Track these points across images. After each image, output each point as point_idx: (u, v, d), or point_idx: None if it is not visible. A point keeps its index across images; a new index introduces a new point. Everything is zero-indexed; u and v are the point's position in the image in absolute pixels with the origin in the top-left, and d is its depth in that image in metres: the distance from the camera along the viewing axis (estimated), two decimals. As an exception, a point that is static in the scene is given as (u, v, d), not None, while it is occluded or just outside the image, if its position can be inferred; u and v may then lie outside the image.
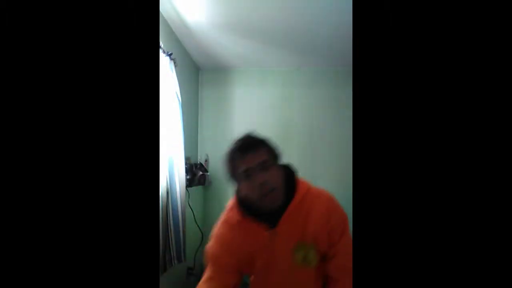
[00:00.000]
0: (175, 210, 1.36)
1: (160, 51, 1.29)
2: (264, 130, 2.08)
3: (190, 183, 1.74)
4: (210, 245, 0.83)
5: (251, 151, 0.71)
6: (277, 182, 0.71)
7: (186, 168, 1.57)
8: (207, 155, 2.16)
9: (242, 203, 0.77)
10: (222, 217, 0.84)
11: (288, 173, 0.78)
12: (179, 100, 1.43)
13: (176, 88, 1.43)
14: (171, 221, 1.33)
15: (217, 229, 0.83)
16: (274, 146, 0.76)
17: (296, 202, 0.74)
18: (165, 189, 1.28)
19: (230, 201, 0.83)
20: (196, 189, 1.95)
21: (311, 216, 0.74)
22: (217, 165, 2.16)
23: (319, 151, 2.11)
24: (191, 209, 1.73)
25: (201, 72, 2.22)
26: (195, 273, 1.83)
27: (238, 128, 2.18)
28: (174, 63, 1.42)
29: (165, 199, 1.28)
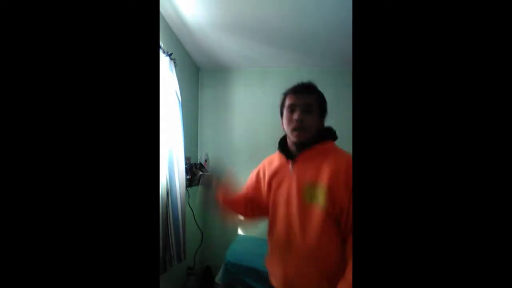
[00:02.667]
0: (175, 210, 1.36)
1: (160, 51, 1.29)
2: (264, 130, 2.10)
3: (190, 183, 1.74)
4: (255, 170, 1.01)
5: (302, 92, 0.82)
6: (310, 125, 0.80)
7: (186, 168, 1.57)
8: (207, 155, 2.16)
9: (282, 142, 0.90)
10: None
11: (327, 130, 0.87)
12: (179, 100, 1.43)
13: (176, 88, 1.43)
14: (171, 221, 1.33)
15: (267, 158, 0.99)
16: (325, 101, 0.86)
17: (318, 149, 0.82)
18: (165, 189, 1.28)
19: None
20: (196, 189, 1.95)
21: (328, 167, 0.78)
22: (217, 165, 2.16)
23: (319, 151, 2.10)
24: (191, 209, 1.73)
25: (201, 72, 2.22)
26: (195, 273, 1.83)
27: (238, 128, 2.18)
28: (174, 63, 1.42)
29: (165, 199, 1.28)
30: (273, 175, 0.89)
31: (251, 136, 2.14)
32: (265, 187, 0.92)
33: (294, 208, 0.81)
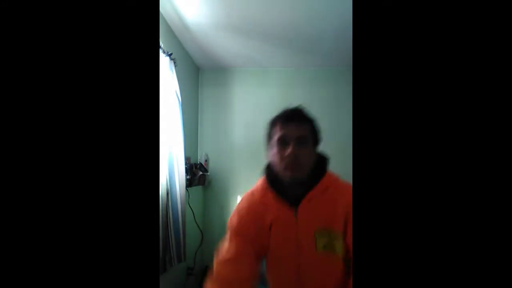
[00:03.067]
0: (175, 210, 1.36)
1: (160, 51, 1.29)
2: (263, 130, 2.09)
3: (190, 183, 1.74)
4: (232, 215, 0.80)
5: (295, 122, 0.71)
6: (306, 160, 0.70)
7: (186, 168, 1.57)
8: (207, 155, 2.16)
9: (270, 176, 0.77)
10: (245, 194, 0.83)
11: (320, 160, 0.77)
12: (179, 100, 1.43)
13: (176, 88, 1.43)
14: (171, 221, 1.33)
15: (241, 200, 0.82)
16: (318, 129, 0.76)
17: (320, 188, 0.72)
18: (165, 189, 1.28)
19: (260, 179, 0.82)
20: (196, 189, 1.95)
21: (335, 206, 0.70)
22: (217, 165, 2.16)
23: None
24: (191, 209, 1.73)
25: (201, 72, 2.22)
26: (195, 273, 1.83)
27: (238, 128, 2.18)
28: (174, 63, 1.42)
29: (165, 199, 1.28)
30: (269, 223, 0.74)
31: (251, 136, 2.14)
32: (258, 235, 0.75)
33: (305, 259, 0.72)
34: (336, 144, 2.09)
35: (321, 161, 0.77)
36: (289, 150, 0.68)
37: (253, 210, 0.77)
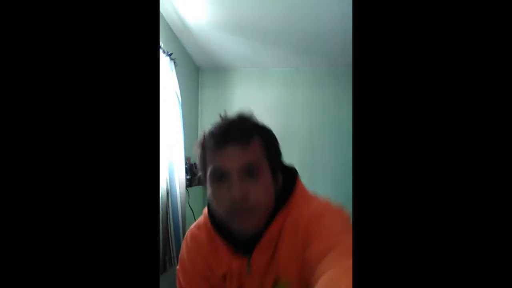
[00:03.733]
0: (175, 210, 1.36)
1: (160, 51, 1.29)
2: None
3: (190, 183, 1.74)
4: (178, 269, 0.60)
5: (235, 142, 0.46)
6: (260, 199, 0.46)
7: (186, 168, 1.57)
8: (207, 155, 2.16)
9: (213, 218, 0.53)
10: (191, 228, 0.61)
11: (285, 180, 0.53)
12: (179, 100, 1.43)
13: (176, 88, 1.43)
14: (171, 221, 1.33)
15: (184, 246, 0.60)
16: (271, 136, 0.51)
17: (276, 224, 0.49)
18: (165, 190, 1.28)
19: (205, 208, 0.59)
20: (196, 189, 1.95)
21: (295, 247, 0.47)
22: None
23: (319, 151, 2.11)
24: (191, 209, 1.73)
25: (201, 72, 2.22)
26: (195, 273, 1.83)
27: (238, 128, 2.18)
28: (174, 63, 1.42)
29: (165, 200, 1.28)
30: (225, 274, 0.53)
31: (251, 136, 2.14)
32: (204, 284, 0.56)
33: None
34: (336, 144, 2.10)
35: (286, 179, 0.52)
36: (232, 191, 0.44)
37: (202, 256, 0.55)
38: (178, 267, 0.61)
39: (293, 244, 0.48)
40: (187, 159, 1.78)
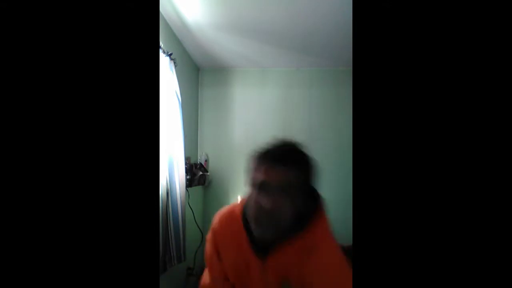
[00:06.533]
0: (175, 210, 1.36)
1: (160, 51, 1.29)
2: (264, 130, 2.10)
3: (190, 183, 1.74)
4: (206, 246, 0.75)
5: (282, 164, 0.57)
6: (286, 215, 0.57)
7: (186, 168, 1.57)
8: (207, 155, 2.16)
9: (245, 216, 0.66)
10: (226, 208, 0.74)
11: (310, 203, 0.63)
12: (179, 100, 1.43)
13: (176, 88, 1.42)
14: (171, 221, 1.33)
15: (220, 220, 0.72)
16: (312, 165, 0.61)
17: (300, 242, 0.60)
18: (165, 190, 1.28)
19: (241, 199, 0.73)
20: (196, 189, 1.95)
21: (309, 265, 0.60)
22: (217, 165, 2.16)
23: (319, 151, 2.09)
24: (191, 209, 1.73)
25: (201, 72, 2.22)
26: (195, 273, 1.83)
27: (238, 128, 2.18)
28: (174, 63, 1.42)
29: (165, 199, 1.28)
30: (238, 264, 0.67)
31: (251, 136, 2.14)
32: (227, 270, 0.70)
33: None
34: (336, 144, 2.10)
35: (311, 204, 0.63)
36: (267, 203, 0.55)
37: (233, 237, 0.68)
38: (208, 236, 0.74)
39: (301, 262, 0.59)
40: (187, 159, 1.77)
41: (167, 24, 1.50)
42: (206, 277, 0.76)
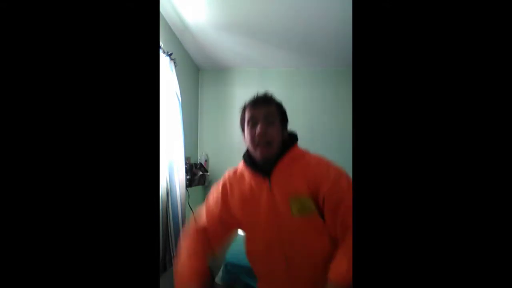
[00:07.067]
0: (175, 210, 1.36)
1: (160, 51, 1.29)
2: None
3: (190, 183, 1.74)
4: (210, 191, 0.90)
5: (261, 104, 0.79)
6: (275, 137, 0.77)
7: (186, 168, 1.57)
8: (207, 155, 2.16)
9: (246, 156, 0.85)
10: (232, 168, 0.91)
11: (290, 138, 0.84)
12: (179, 100, 1.43)
13: (176, 88, 1.43)
14: (171, 221, 1.33)
15: (224, 176, 0.90)
16: (284, 110, 0.84)
17: (289, 158, 0.79)
18: (165, 190, 1.28)
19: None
20: (196, 189, 1.95)
21: (304, 174, 0.77)
22: (217, 165, 2.16)
23: (319, 151, 2.10)
24: (191, 209, 1.73)
25: (201, 72, 2.22)
26: (195, 273, 1.83)
27: (238, 128, 2.18)
28: (174, 63, 1.42)
29: (165, 200, 1.28)
30: (247, 196, 0.82)
31: (251, 136, 2.14)
32: (236, 207, 0.85)
33: (284, 226, 0.77)
34: (336, 144, 2.10)
35: (291, 138, 0.84)
36: (258, 128, 0.76)
37: (231, 183, 0.87)
38: (216, 184, 0.91)
39: (303, 173, 0.77)
40: (187, 159, 1.77)
41: (167, 24, 1.50)
42: (200, 220, 0.87)
